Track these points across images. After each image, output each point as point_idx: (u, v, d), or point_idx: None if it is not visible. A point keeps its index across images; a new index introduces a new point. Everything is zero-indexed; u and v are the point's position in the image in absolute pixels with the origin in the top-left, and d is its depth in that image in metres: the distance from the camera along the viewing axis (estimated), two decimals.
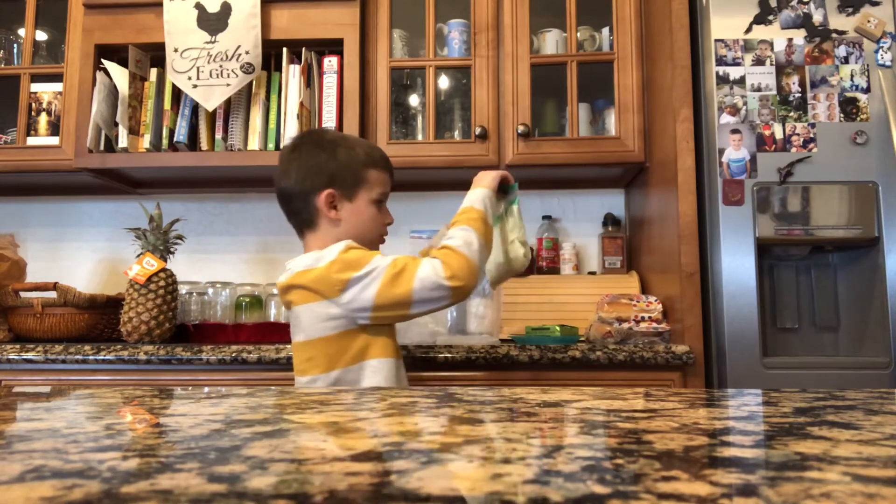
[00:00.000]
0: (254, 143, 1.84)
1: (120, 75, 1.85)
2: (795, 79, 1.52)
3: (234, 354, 1.48)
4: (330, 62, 1.87)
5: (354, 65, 1.83)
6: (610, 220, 2.06)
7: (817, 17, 1.53)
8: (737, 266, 1.47)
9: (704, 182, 1.53)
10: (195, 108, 1.86)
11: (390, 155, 1.84)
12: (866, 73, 1.51)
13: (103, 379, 1.52)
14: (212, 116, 1.86)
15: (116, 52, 1.89)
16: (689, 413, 0.51)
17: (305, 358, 1.17)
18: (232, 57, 1.79)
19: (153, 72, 1.89)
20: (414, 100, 2.03)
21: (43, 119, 1.94)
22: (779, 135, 1.50)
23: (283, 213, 1.26)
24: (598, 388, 0.68)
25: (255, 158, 1.82)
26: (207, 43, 1.80)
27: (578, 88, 1.83)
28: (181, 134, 1.84)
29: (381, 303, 1.09)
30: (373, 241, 1.25)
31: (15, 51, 2.06)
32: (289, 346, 1.50)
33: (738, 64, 1.52)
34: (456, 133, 1.97)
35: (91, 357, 1.51)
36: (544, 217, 2.09)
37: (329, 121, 1.83)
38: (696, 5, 1.59)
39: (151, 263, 1.66)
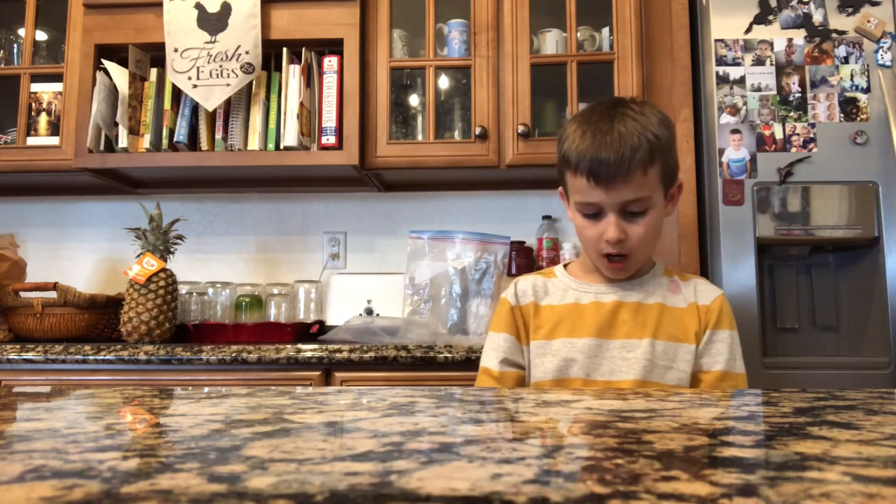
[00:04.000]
0: (254, 143, 1.84)
1: (120, 75, 1.85)
2: (795, 79, 1.52)
3: (234, 354, 1.48)
4: (330, 62, 1.86)
5: (354, 65, 1.83)
6: None
7: (817, 17, 1.53)
8: (737, 266, 1.47)
9: (704, 182, 1.53)
10: (195, 108, 1.86)
11: (390, 155, 1.88)
12: (866, 73, 1.51)
13: (103, 379, 1.52)
14: (212, 116, 1.86)
15: (116, 52, 1.89)
16: (689, 413, 0.51)
17: None
18: (232, 57, 1.79)
19: (153, 72, 1.89)
20: (414, 100, 2.03)
21: (43, 119, 1.94)
22: (779, 135, 1.50)
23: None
24: (599, 388, 0.68)
25: (255, 158, 1.82)
26: (207, 43, 1.80)
27: (578, 88, 1.83)
28: (181, 134, 1.84)
29: None
30: (589, 256, 1.06)
31: (15, 51, 2.06)
32: (288, 346, 1.50)
33: (738, 64, 1.52)
34: (456, 133, 1.97)
35: (91, 357, 1.51)
36: (544, 217, 2.09)
37: (329, 121, 1.83)
38: (696, 5, 1.58)
39: (151, 263, 1.66)
